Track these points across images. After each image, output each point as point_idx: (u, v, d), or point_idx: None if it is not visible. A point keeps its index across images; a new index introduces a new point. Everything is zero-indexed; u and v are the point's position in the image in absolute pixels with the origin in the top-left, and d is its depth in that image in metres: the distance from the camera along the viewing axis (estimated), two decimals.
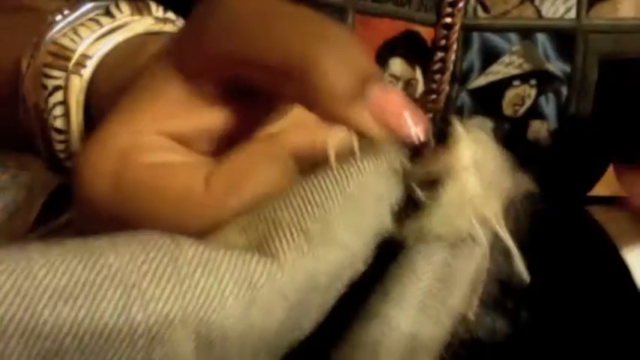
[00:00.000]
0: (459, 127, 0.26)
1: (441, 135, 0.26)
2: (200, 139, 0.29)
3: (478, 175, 0.26)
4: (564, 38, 0.47)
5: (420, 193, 0.26)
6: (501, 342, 0.27)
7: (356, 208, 0.25)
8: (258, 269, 0.23)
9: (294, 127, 0.27)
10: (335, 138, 0.26)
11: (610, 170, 0.59)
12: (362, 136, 0.26)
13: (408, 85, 0.48)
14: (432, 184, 0.26)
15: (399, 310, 0.25)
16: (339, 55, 0.26)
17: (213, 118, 0.29)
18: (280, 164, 0.27)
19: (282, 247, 0.24)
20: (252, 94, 0.29)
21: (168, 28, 0.37)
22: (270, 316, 0.23)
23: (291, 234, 0.24)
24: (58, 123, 0.37)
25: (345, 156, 0.26)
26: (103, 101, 0.35)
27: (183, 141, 0.29)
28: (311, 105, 0.27)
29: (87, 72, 0.36)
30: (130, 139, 0.28)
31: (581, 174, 0.55)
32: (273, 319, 0.24)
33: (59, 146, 0.38)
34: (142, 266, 0.22)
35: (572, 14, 0.47)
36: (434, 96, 0.46)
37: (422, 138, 0.26)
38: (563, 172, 0.52)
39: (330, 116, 0.26)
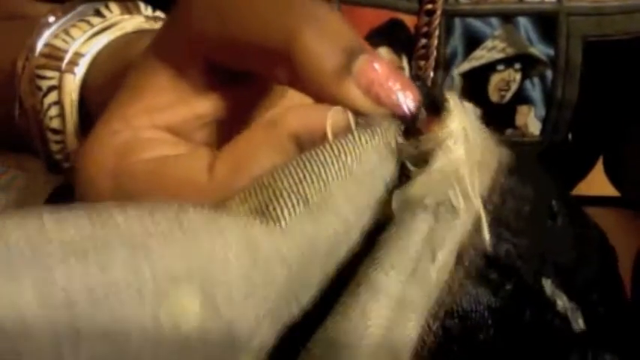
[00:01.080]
0: (452, 100, 0.26)
1: (433, 106, 0.26)
2: (194, 129, 0.29)
3: (465, 146, 0.26)
4: (546, 21, 0.47)
5: (411, 167, 0.26)
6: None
7: (352, 180, 0.25)
8: (261, 232, 0.24)
9: (292, 109, 0.27)
10: (332, 118, 0.26)
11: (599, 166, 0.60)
12: (357, 112, 0.26)
13: None
14: (425, 157, 0.26)
15: (385, 275, 0.26)
16: (321, 32, 0.26)
17: (203, 106, 0.29)
18: (280, 148, 0.26)
19: (282, 213, 0.24)
20: (244, 80, 0.29)
21: (160, 25, 0.37)
22: (270, 279, 0.24)
23: (292, 201, 0.24)
24: (54, 123, 0.37)
25: (343, 134, 0.26)
26: (96, 96, 0.36)
27: (179, 132, 0.29)
28: (301, 87, 0.27)
29: (80, 70, 0.36)
30: (128, 135, 0.28)
31: (571, 163, 0.55)
32: (273, 282, 0.24)
33: (55, 147, 0.38)
34: (149, 227, 0.22)
35: None
36: (419, 83, 0.47)
37: (412, 108, 0.26)
38: (552, 161, 0.53)
39: (321, 96, 0.26)
